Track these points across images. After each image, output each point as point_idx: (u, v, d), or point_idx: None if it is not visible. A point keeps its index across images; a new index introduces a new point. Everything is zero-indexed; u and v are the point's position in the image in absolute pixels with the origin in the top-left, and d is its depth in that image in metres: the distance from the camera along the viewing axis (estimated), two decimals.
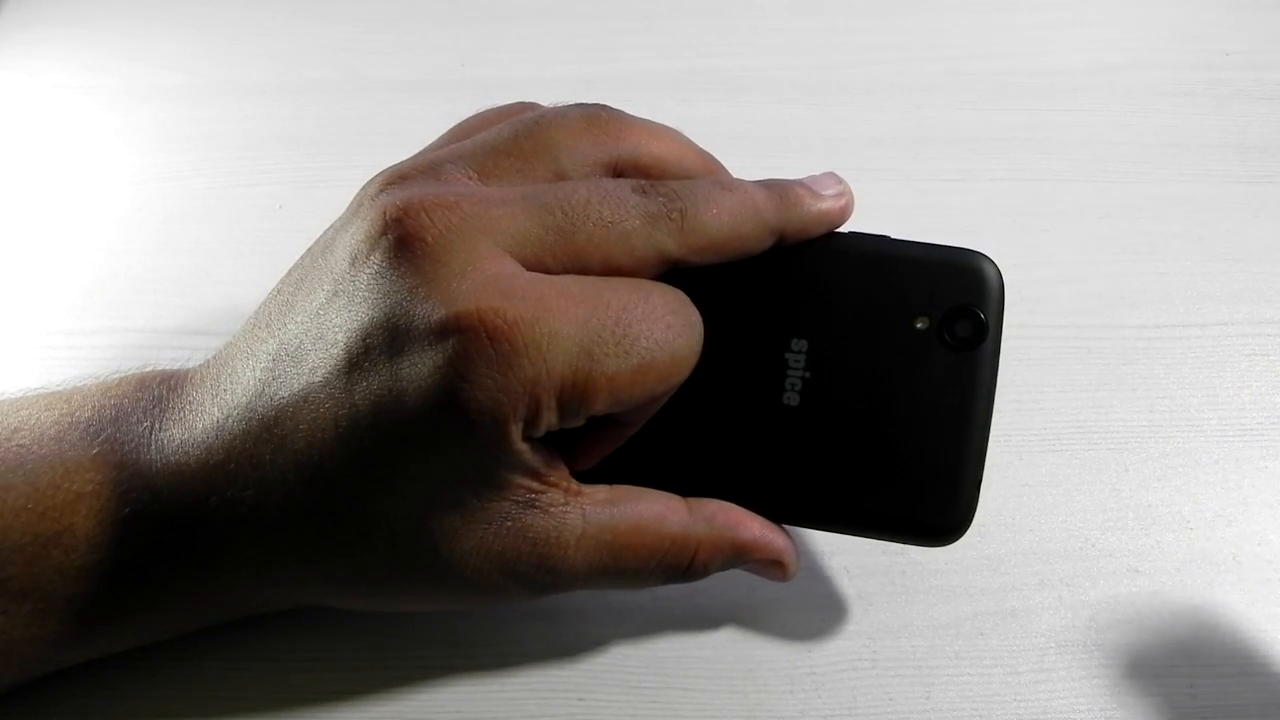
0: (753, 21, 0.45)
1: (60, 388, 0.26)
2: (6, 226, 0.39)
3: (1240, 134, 0.41)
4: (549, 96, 0.42)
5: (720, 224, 0.24)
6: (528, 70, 0.44)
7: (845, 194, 0.26)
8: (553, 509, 0.24)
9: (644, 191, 0.24)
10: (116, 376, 0.26)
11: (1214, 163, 0.40)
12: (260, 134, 0.41)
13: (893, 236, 0.26)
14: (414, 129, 0.41)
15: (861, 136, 0.41)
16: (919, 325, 0.25)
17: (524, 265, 0.23)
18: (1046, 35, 0.45)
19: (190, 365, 0.27)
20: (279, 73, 0.44)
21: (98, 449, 0.24)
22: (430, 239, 0.22)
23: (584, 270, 0.23)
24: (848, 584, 0.29)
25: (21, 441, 0.24)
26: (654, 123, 0.27)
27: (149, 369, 0.27)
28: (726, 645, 0.28)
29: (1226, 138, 0.40)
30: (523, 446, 0.22)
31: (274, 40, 0.45)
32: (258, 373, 0.24)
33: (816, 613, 0.29)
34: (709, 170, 0.27)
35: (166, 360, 0.33)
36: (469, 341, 0.21)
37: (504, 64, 0.44)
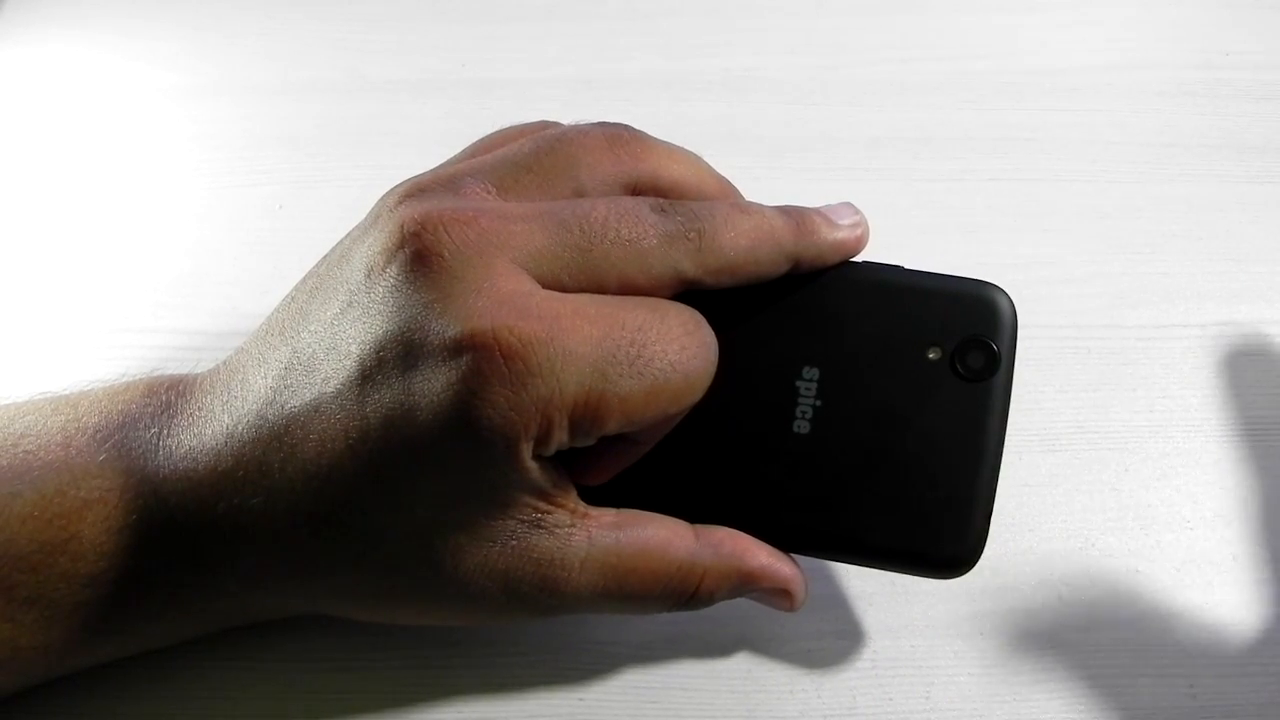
0: (753, 21, 0.45)
1: (66, 392, 0.26)
2: (3, 228, 0.39)
3: (1240, 134, 0.41)
4: (549, 97, 0.42)
5: (737, 247, 0.24)
6: (528, 70, 0.44)
7: (861, 224, 0.26)
8: (558, 530, 0.23)
9: (662, 211, 0.24)
10: (124, 381, 0.26)
11: (1214, 163, 0.40)
12: (260, 134, 0.41)
13: (906, 267, 0.26)
14: (414, 129, 0.41)
15: (861, 136, 0.41)
16: (931, 356, 0.25)
17: (540, 282, 0.23)
18: (1046, 35, 0.45)
19: (198, 370, 0.27)
20: (279, 73, 0.44)
21: (105, 455, 0.24)
22: (447, 254, 0.22)
23: (600, 288, 0.23)
24: (848, 584, 0.29)
25: (28, 448, 0.24)
26: (674, 145, 0.27)
27: (157, 374, 0.27)
28: (726, 645, 0.28)
29: (1226, 138, 0.40)
30: (532, 465, 0.22)
31: (274, 40, 0.45)
32: (269, 380, 0.24)
33: (816, 613, 0.29)
34: (726, 195, 0.27)
35: (168, 361, 0.33)
36: (483, 359, 0.21)
37: (504, 64, 0.44)
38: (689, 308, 0.24)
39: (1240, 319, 0.35)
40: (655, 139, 0.26)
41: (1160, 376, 0.34)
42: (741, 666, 0.28)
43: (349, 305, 0.23)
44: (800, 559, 0.26)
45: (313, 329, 0.24)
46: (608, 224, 0.23)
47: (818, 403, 0.25)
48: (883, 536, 0.25)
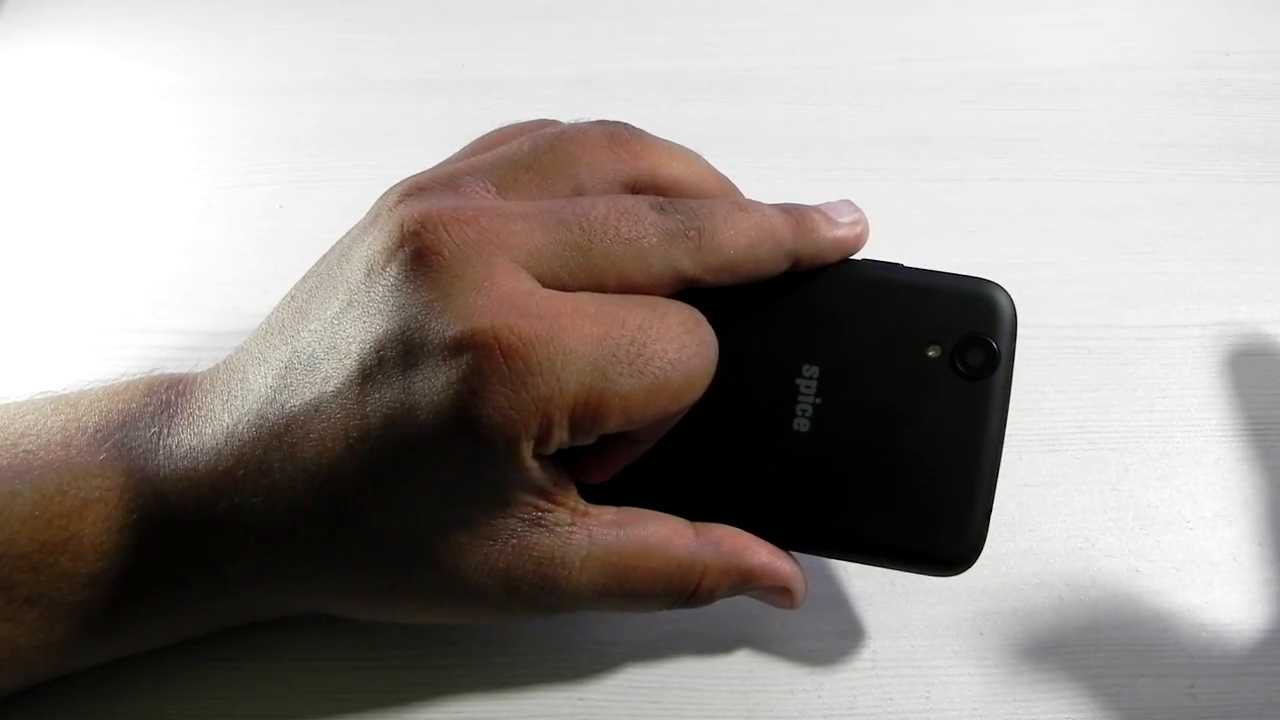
0: (753, 21, 0.45)
1: (66, 392, 0.26)
2: (3, 228, 0.39)
3: (1240, 134, 0.41)
4: (549, 96, 0.43)
5: (737, 245, 0.24)
6: (528, 70, 0.44)
7: (861, 222, 0.26)
8: (559, 529, 0.23)
9: (662, 209, 0.24)
10: (124, 381, 0.26)
11: (1214, 163, 0.40)
12: (260, 134, 0.41)
13: (906, 264, 0.26)
14: (414, 129, 0.42)
15: (861, 136, 0.41)
16: (931, 354, 0.25)
17: (540, 281, 0.23)
18: (1046, 35, 0.45)
19: (198, 369, 0.27)
20: (279, 73, 0.44)
21: (105, 455, 0.24)
22: (447, 253, 0.22)
23: (600, 287, 0.23)
24: (848, 583, 0.29)
25: (28, 447, 0.24)
26: (674, 143, 0.27)
27: (157, 373, 0.27)
28: (726, 645, 0.28)
29: (1226, 138, 0.40)
30: (532, 464, 0.22)
31: (274, 40, 0.45)
32: (269, 380, 0.24)
33: (817, 612, 0.29)
34: (725, 193, 0.27)
35: (168, 361, 0.33)
36: (483, 358, 0.21)
37: (504, 64, 0.44)
38: (689, 306, 0.24)
39: (1240, 319, 0.35)
40: (655, 137, 0.26)
41: (1160, 376, 0.34)
42: (742, 666, 0.28)
43: (349, 304, 0.23)
44: (800, 557, 0.26)
45: (313, 328, 0.24)
46: (607, 222, 0.23)
47: (818, 400, 0.25)
48: (882, 534, 0.25)
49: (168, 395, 0.25)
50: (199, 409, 0.25)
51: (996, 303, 0.26)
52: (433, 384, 0.22)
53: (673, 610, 0.25)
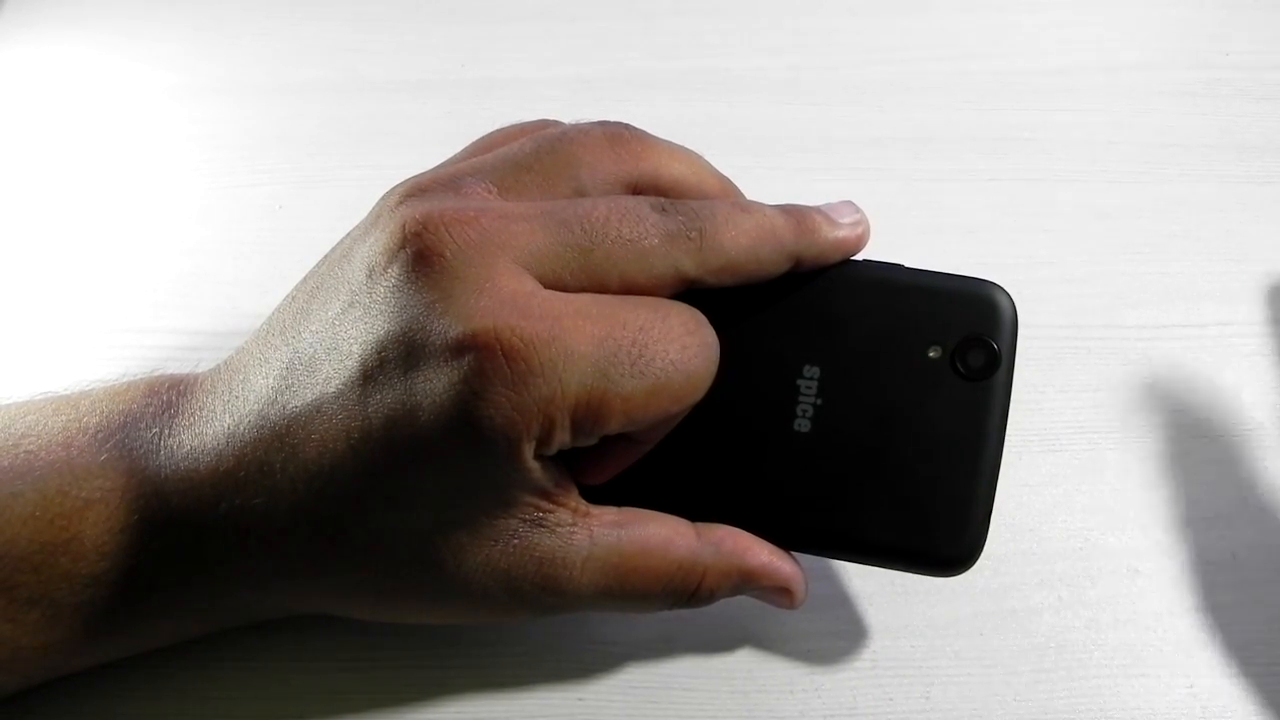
0: (753, 21, 0.45)
1: (67, 392, 0.26)
2: (3, 228, 0.39)
3: (1240, 134, 0.41)
4: (549, 96, 0.43)
5: (738, 246, 0.24)
6: (528, 70, 0.44)
7: (862, 223, 0.26)
8: (560, 529, 0.24)
9: (663, 210, 0.24)
10: (125, 381, 0.26)
11: (1214, 163, 0.40)
12: (260, 134, 0.41)
13: (907, 265, 0.26)
14: (414, 129, 0.42)
15: (861, 136, 0.41)
16: (932, 354, 0.25)
17: (542, 282, 0.23)
18: (1046, 35, 0.45)
19: (198, 369, 0.27)
20: (279, 73, 0.44)
21: (106, 455, 0.24)
22: (449, 254, 0.22)
23: (602, 288, 0.23)
24: (848, 583, 0.29)
25: (29, 448, 0.24)
26: (675, 144, 0.27)
27: (158, 374, 0.27)
28: (726, 645, 0.28)
29: (1226, 138, 0.41)
30: (534, 465, 0.22)
31: (274, 40, 0.45)
32: (271, 380, 0.24)
33: (816, 613, 0.29)
34: (727, 194, 0.27)
35: (168, 361, 0.33)
36: (485, 359, 0.21)
37: (504, 64, 0.44)
38: (690, 307, 0.24)
39: (1240, 319, 0.35)
40: (656, 138, 0.26)
41: (1160, 376, 0.34)
42: (742, 666, 0.28)
43: (350, 305, 0.23)
44: (801, 557, 0.26)
45: (314, 329, 0.24)
46: (609, 223, 0.23)
47: (819, 401, 0.25)
48: (882, 534, 0.25)
49: (169, 396, 0.25)
50: (200, 409, 0.25)
51: (997, 303, 0.26)
52: (434, 385, 0.22)
53: (673, 610, 0.26)
